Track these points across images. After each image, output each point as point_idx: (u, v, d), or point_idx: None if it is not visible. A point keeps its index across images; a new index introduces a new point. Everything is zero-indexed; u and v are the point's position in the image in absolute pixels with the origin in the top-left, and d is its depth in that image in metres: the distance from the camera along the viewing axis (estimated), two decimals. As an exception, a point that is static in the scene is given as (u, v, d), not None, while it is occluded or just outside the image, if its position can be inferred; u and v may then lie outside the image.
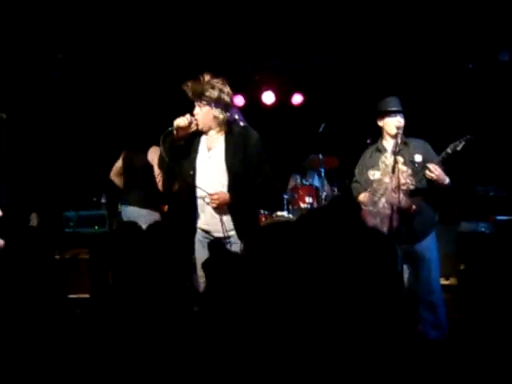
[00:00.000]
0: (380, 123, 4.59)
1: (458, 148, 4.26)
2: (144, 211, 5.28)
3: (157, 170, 5.05)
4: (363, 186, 4.61)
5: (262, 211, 6.50)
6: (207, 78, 4.07)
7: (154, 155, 5.08)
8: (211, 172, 4.10)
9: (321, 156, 7.00)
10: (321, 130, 7.09)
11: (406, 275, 4.73)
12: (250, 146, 4.12)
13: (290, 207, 6.77)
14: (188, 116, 4.07)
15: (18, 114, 4.99)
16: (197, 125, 4.10)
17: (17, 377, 1.84)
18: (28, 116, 5.36)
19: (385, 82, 7.22)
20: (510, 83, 7.19)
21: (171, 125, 4.06)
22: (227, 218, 4.05)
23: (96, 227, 6.82)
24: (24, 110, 6.14)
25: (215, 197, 4.00)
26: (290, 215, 6.56)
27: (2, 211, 4.88)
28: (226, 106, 4.11)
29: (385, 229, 4.33)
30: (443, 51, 7.09)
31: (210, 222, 4.08)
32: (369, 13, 6.37)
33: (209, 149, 4.14)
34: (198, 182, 4.09)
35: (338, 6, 6.28)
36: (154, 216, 5.26)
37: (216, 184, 4.05)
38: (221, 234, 4.02)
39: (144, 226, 2.82)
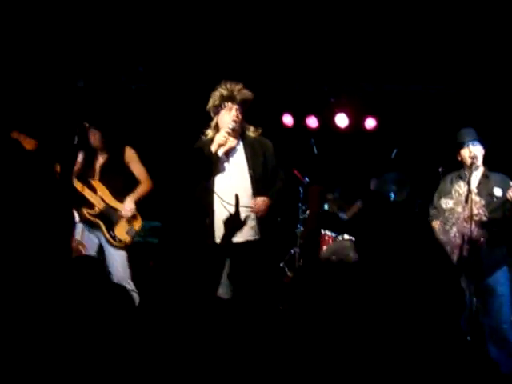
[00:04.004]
0: (458, 157, 4.57)
1: None
2: None
3: None
4: (439, 213, 4.56)
5: (328, 233, 6.50)
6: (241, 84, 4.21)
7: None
8: (233, 176, 4.15)
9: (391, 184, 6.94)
10: (393, 156, 7.04)
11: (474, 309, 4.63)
12: (267, 150, 4.24)
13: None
14: (225, 134, 4.12)
15: (98, 124, 5.09)
16: (228, 133, 4.13)
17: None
18: (107, 126, 5.51)
19: (460, 110, 7.11)
20: None
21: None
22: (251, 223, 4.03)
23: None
24: (104, 120, 6.35)
25: (258, 207, 4.05)
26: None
27: None
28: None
29: (454, 258, 4.26)
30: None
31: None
32: (448, 40, 6.31)
33: (226, 154, 4.18)
34: (220, 186, 4.12)
35: (416, 33, 6.25)
36: None
37: (237, 186, 4.03)
38: (242, 239, 3.90)
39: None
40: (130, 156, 4.96)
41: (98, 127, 4.89)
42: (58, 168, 4.79)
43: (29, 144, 4.69)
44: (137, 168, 4.96)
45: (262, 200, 4.10)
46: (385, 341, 1.72)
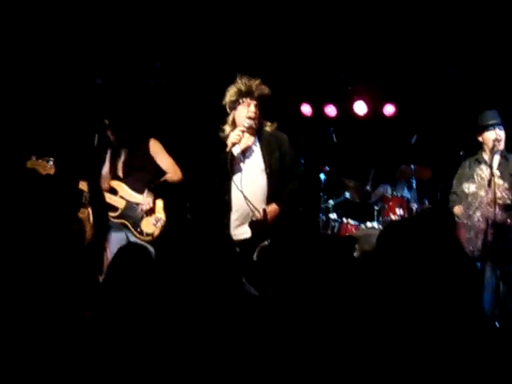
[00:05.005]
0: (479, 138, 4.54)
1: None
2: None
3: None
4: (460, 198, 4.52)
5: (351, 221, 6.49)
6: (259, 80, 4.14)
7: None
8: (248, 173, 4.09)
9: (413, 167, 6.87)
10: (413, 141, 6.98)
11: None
12: (283, 144, 4.15)
13: (380, 218, 6.70)
14: (239, 132, 4.06)
15: (118, 121, 5.07)
16: (243, 131, 4.07)
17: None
18: (126, 123, 5.48)
19: (479, 93, 7.03)
20: None
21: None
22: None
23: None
24: (123, 117, 6.38)
25: (272, 214, 3.99)
26: (380, 226, 6.49)
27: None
28: None
29: (479, 243, 4.23)
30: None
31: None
32: (462, 23, 6.25)
33: (242, 151, 4.12)
34: (236, 186, 4.05)
35: (432, 18, 6.20)
36: None
37: (252, 185, 4.04)
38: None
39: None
40: (156, 149, 4.79)
41: (118, 124, 4.78)
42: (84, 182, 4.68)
43: (45, 169, 4.66)
44: (163, 160, 4.78)
45: (273, 210, 4.04)
46: (410, 331, 1.72)
